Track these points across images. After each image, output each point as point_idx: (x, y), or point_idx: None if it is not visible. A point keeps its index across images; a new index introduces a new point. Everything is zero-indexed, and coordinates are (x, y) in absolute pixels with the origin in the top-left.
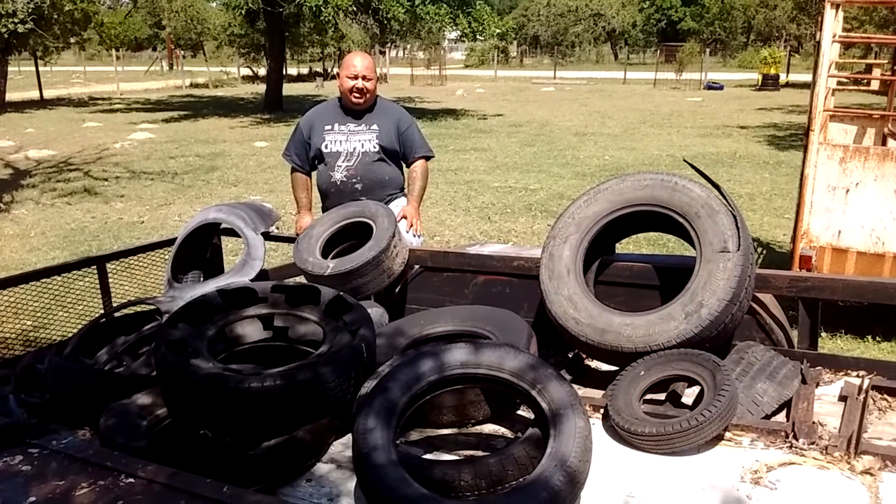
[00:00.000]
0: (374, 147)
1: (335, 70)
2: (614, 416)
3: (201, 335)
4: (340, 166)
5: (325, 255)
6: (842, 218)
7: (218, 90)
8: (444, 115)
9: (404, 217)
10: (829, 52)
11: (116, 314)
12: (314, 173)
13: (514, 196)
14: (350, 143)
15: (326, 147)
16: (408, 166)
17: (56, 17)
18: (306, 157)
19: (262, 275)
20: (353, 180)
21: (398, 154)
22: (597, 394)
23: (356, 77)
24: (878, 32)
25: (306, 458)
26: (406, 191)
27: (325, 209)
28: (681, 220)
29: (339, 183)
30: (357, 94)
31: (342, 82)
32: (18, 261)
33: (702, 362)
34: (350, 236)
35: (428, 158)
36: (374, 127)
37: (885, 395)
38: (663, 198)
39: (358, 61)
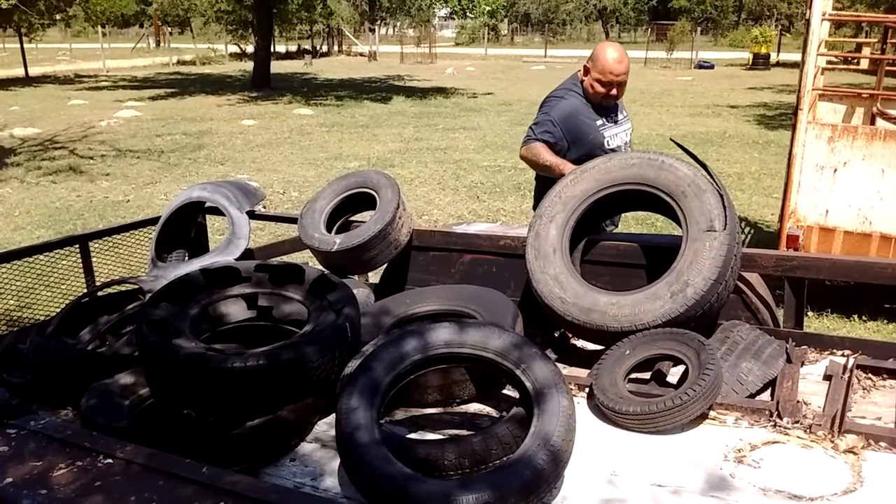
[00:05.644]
0: (629, 140)
1: (323, 47)
2: (599, 395)
3: (184, 315)
4: None
5: (329, 228)
6: (829, 197)
7: (205, 67)
8: (433, 93)
9: None
10: (819, 30)
11: (99, 293)
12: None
13: (503, 175)
14: (619, 137)
15: (608, 143)
16: None
17: None
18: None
19: (248, 254)
20: None
21: None
22: (582, 373)
23: (612, 84)
24: (868, 11)
25: (290, 438)
26: None
27: None
28: (667, 198)
29: None
30: (610, 99)
31: (597, 80)
32: (2, 240)
33: (687, 341)
34: (352, 207)
35: None
36: (625, 116)
37: (870, 375)
38: (650, 176)
39: (620, 67)
